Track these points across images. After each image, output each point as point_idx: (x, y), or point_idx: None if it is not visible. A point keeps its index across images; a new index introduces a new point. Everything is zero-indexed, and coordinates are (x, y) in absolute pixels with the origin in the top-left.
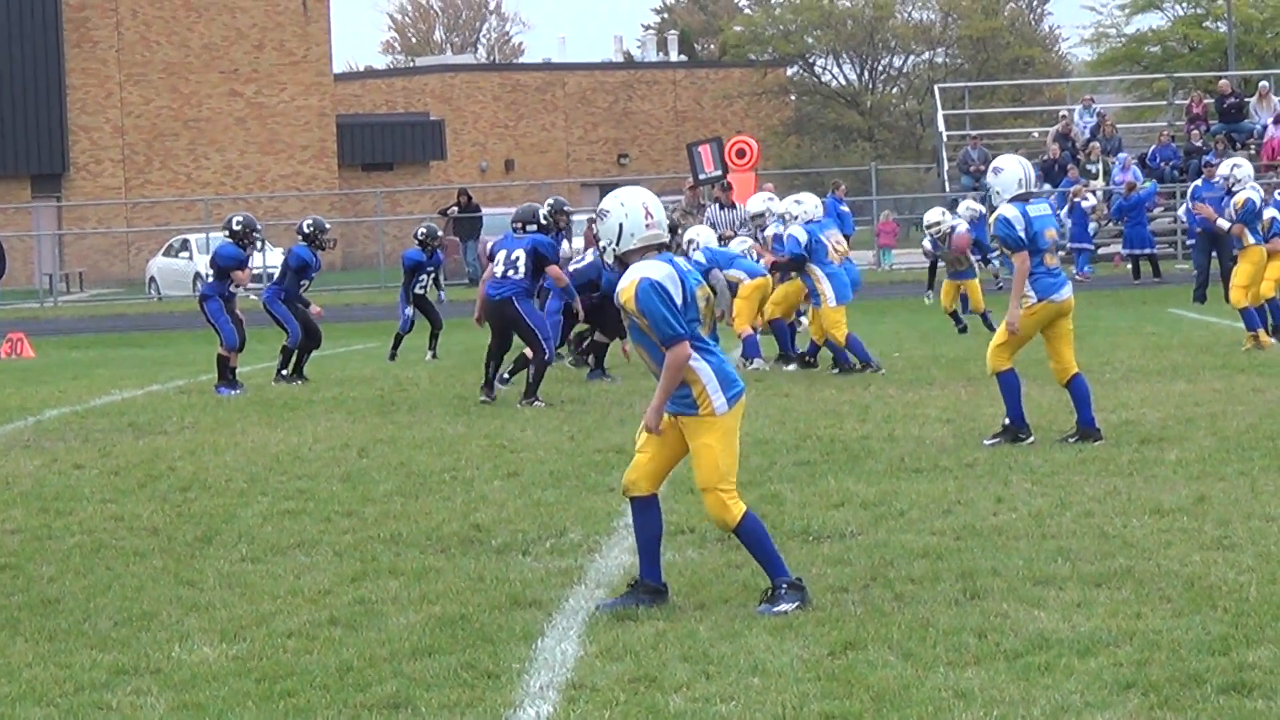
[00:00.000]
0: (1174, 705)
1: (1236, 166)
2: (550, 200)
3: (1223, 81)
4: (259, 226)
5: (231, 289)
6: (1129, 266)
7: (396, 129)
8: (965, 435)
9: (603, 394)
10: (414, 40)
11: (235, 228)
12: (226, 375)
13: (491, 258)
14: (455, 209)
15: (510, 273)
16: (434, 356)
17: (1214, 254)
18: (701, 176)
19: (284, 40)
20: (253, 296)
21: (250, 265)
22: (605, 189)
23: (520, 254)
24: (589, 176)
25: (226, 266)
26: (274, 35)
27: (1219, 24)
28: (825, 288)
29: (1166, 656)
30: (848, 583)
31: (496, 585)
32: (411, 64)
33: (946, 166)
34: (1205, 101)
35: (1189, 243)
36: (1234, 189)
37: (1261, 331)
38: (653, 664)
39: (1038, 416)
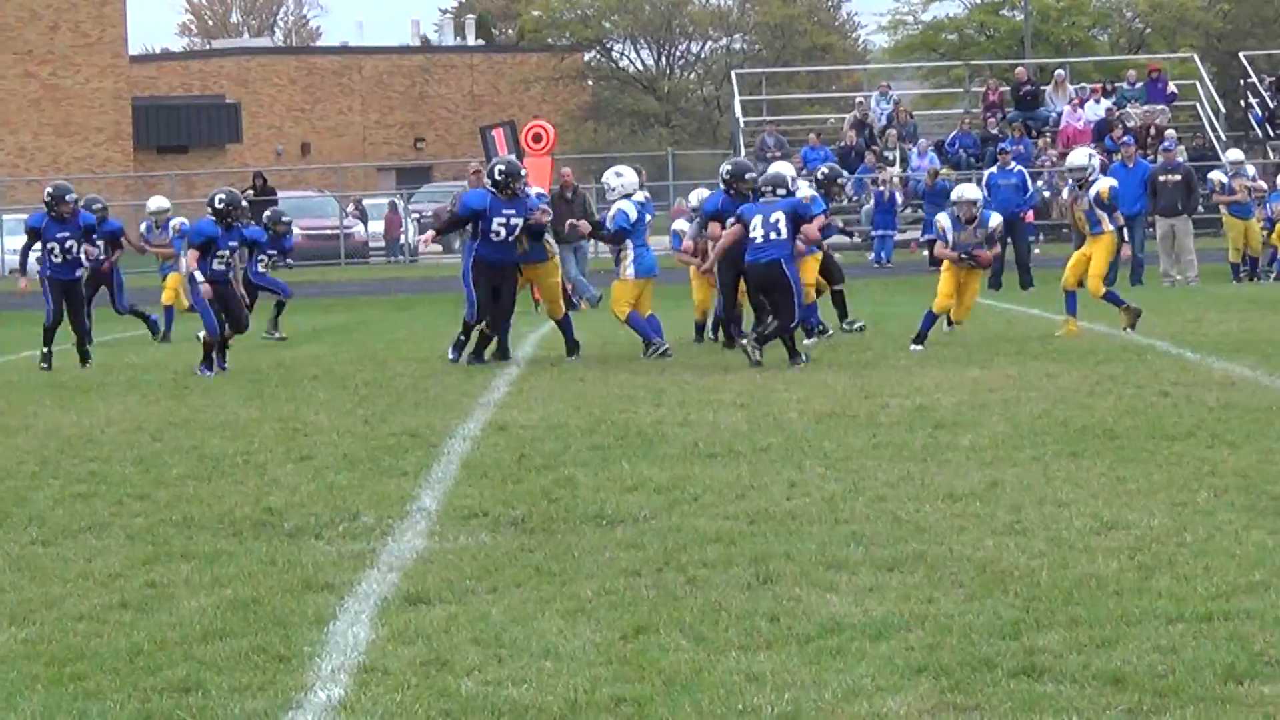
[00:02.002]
0: (965, 689)
1: (1091, 156)
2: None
3: (1019, 69)
4: (243, 203)
5: (214, 266)
6: (925, 254)
7: (192, 112)
8: (759, 420)
9: (401, 378)
10: (210, 23)
11: (218, 205)
12: (209, 357)
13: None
14: (250, 192)
15: (773, 235)
16: (277, 336)
17: (1009, 241)
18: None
19: (79, 22)
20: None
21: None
22: (401, 173)
23: (780, 216)
24: (385, 160)
25: (196, 243)
26: (69, 16)
27: (1015, 12)
28: (628, 263)
29: (958, 641)
30: (640, 567)
31: (289, 569)
32: (208, 47)
33: (743, 153)
34: (1002, 89)
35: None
36: (1091, 179)
37: (1072, 320)
38: (445, 647)
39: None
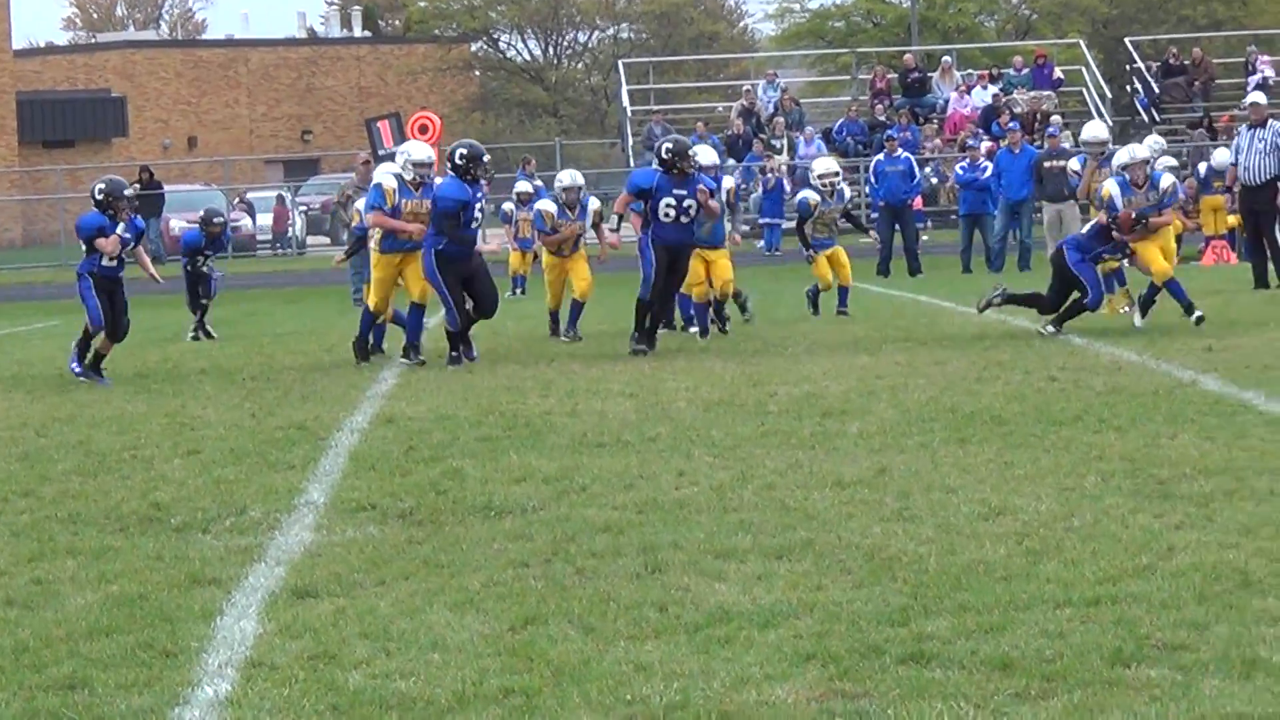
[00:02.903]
0: (853, 676)
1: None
2: None
3: (908, 56)
4: (127, 191)
5: (104, 262)
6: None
7: (78, 106)
8: (647, 409)
9: (289, 371)
10: (95, 16)
11: (98, 196)
12: (86, 357)
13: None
14: (137, 186)
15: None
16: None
17: (896, 228)
18: (381, 152)
19: None
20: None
21: (118, 233)
22: (289, 166)
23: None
24: (273, 153)
25: (88, 237)
26: None
27: None
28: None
29: (846, 628)
30: (529, 558)
31: (175, 564)
32: (93, 40)
33: (631, 142)
34: (889, 76)
35: (873, 216)
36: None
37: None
38: (332, 641)
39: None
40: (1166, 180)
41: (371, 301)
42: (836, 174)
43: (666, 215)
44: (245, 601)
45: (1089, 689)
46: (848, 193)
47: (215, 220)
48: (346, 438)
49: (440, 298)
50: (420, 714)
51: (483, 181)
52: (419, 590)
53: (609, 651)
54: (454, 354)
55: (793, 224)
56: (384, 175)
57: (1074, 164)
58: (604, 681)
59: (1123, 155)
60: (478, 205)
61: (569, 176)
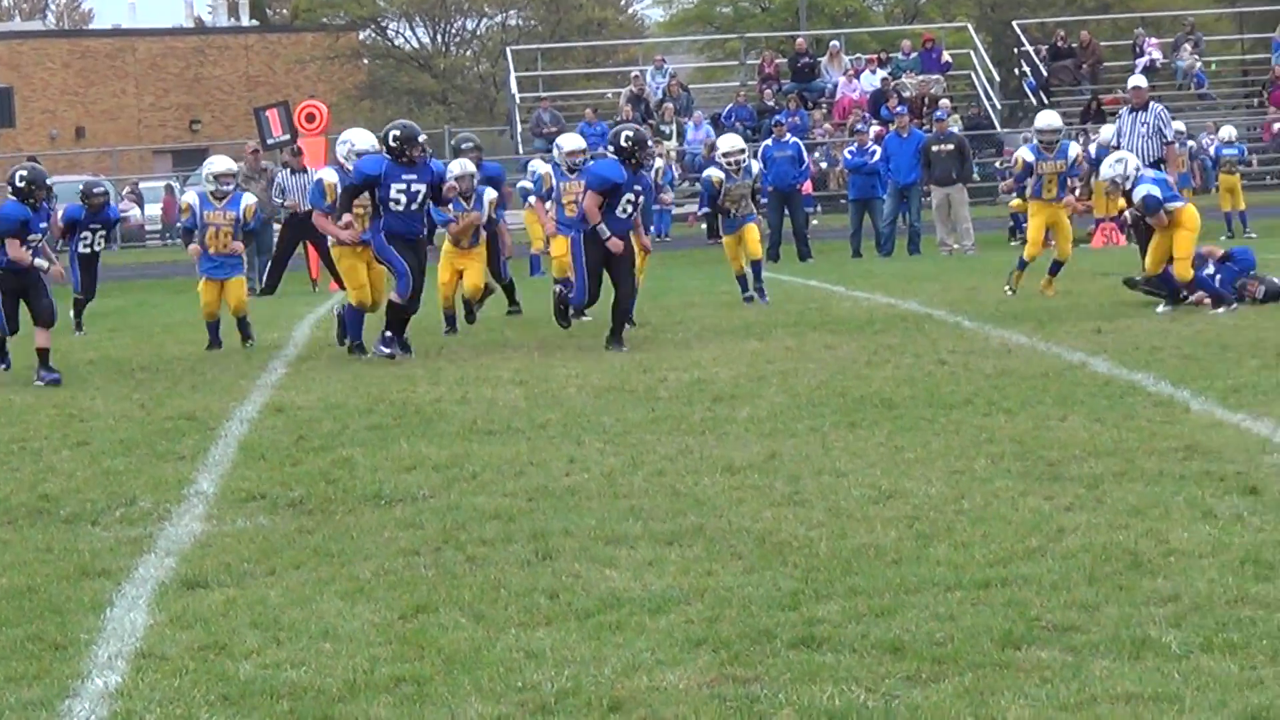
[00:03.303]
0: (744, 661)
1: (1121, 163)
2: None
3: (800, 40)
4: (48, 179)
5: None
6: (704, 226)
7: None
8: (538, 396)
9: (178, 361)
10: None
11: (18, 183)
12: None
13: None
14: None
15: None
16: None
17: (786, 213)
18: (270, 141)
19: None
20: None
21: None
22: (177, 156)
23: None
24: (161, 143)
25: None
26: None
27: None
28: None
29: (737, 613)
30: (419, 546)
31: (65, 555)
32: None
33: (520, 129)
34: (778, 61)
35: (763, 201)
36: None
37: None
38: (223, 631)
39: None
40: (1074, 150)
41: (352, 298)
42: (741, 151)
43: (625, 211)
44: (135, 593)
45: (980, 671)
46: (755, 168)
47: (96, 191)
48: (236, 427)
49: (393, 267)
50: (311, 703)
51: (436, 163)
52: (309, 579)
53: (500, 639)
54: (388, 335)
55: (683, 209)
56: (326, 171)
57: (1025, 153)
58: (495, 669)
59: (1040, 121)
60: (398, 186)
61: (459, 166)
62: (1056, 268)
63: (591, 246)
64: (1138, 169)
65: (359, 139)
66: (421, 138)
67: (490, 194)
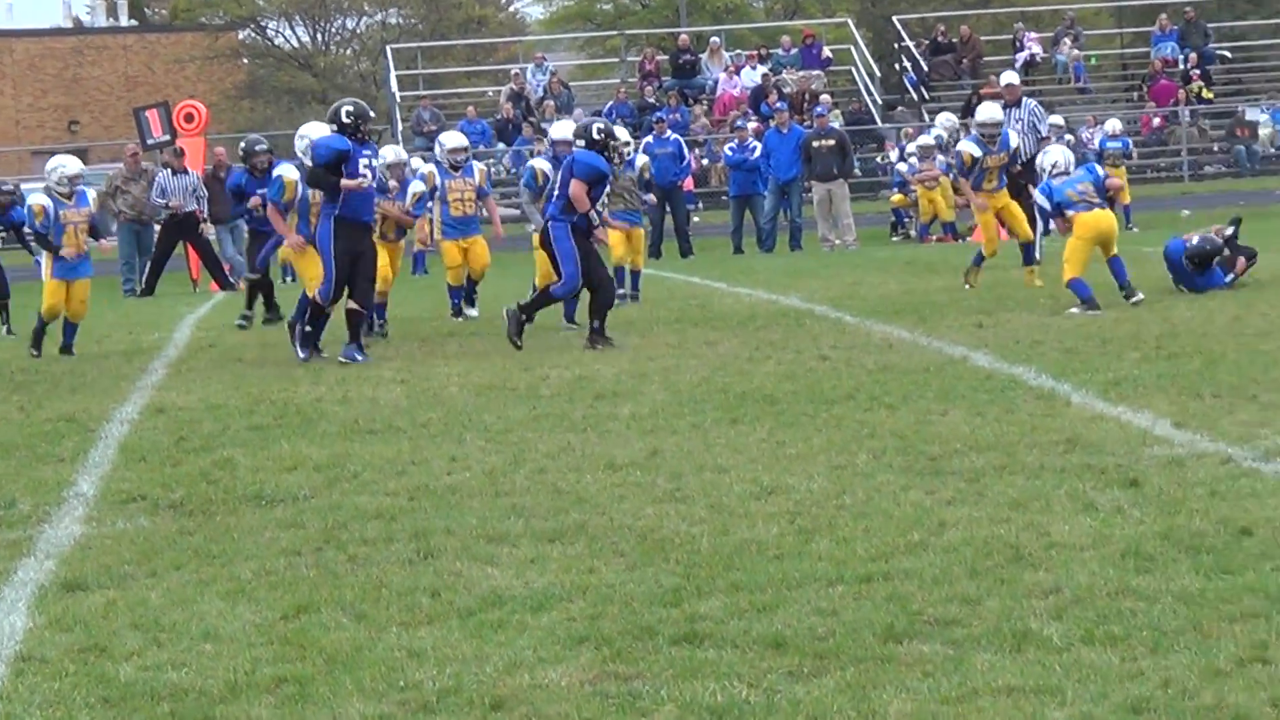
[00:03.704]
0: (626, 657)
1: (1044, 155)
2: None
3: (682, 36)
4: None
5: None
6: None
7: None
8: (419, 395)
9: (57, 363)
10: None
11: None
12: None
13: None
14: None
15: None
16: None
17: (667, 209)
18: (149, 141)
19: None
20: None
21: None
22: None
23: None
24: (39, 144)
25: None
26: None
27: None
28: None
29: (619, 610)
30: (301, 546)
31: None
32: None
33: (400, 127)
34: (659, 58)
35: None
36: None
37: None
38: (103, 633)
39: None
40: (1014, 140)
41: (310, 289)
42: (628, 144)
43: (604, 204)
44: (14, 596)
45: (862, 666)
46: (640, 160)
47: (4, 188)
48: (116, 429)
49: (324, 264)
50: (193, 704)
51: (373, 143)
52: (190, 580)
53: (381, 638)
54: (306, 330)
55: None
56: (285, 168)
57: (970, 147)
58: (377, 668)
59: (981, 114)
60: (363, 163)
61: (392, 153)
62: (1029, 255)
63: (580, 236)
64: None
65: (317, 130)
66: (371, 115)
67: (417, 186)
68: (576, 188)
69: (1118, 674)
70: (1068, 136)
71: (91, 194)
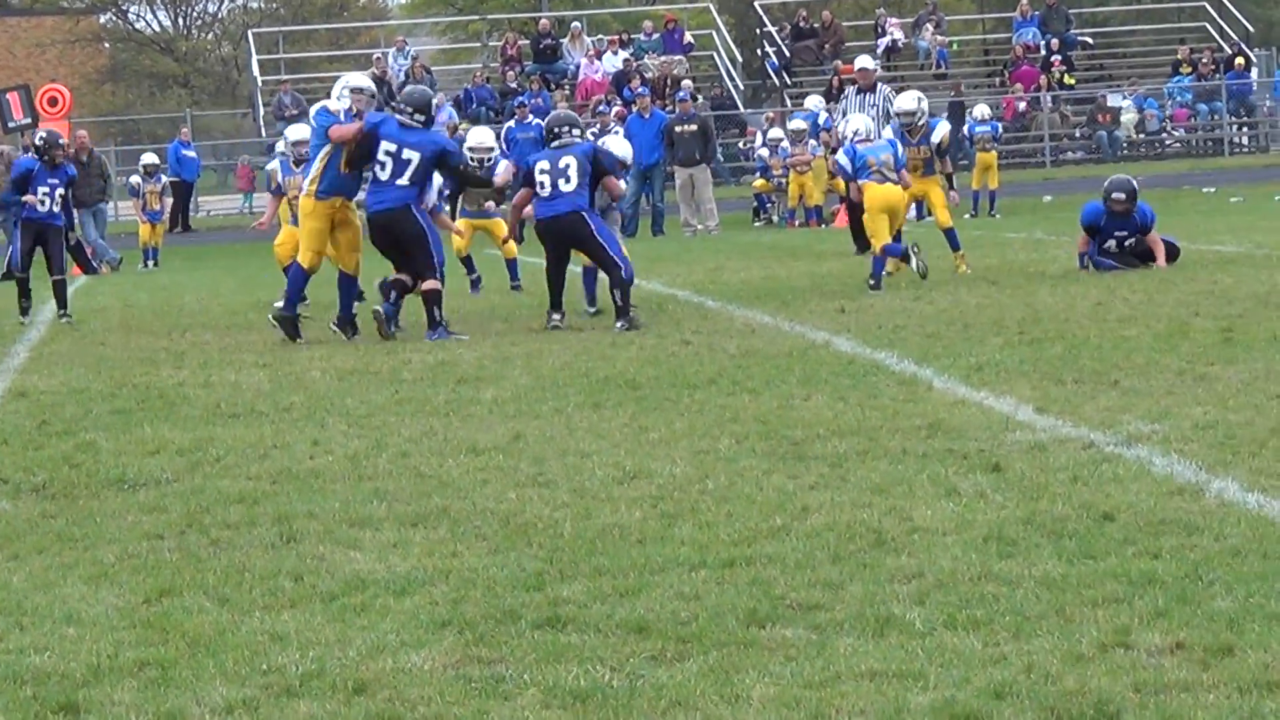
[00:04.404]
0: (489, 641)
1: (921, 100)
2: None
3: (543, 21)
4: None
5: None
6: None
7: None
8: (282, 379)
9: None
10: None
11: None
12: None
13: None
14: None
15: (562, 183)
16: None
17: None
18: (11, 125)
19: None
20: None
21: None
22: None
23: (570, 161)
24: None
25: None
26: None
27: None
28: None
29: (482, 594)
30: (164, 530)
31: None
32: None
33: (262, 112)
34: (521, 43)
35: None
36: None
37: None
38: None
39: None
40: (942, 130)
41: (304, 258)
42: (490, 149)
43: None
44: None
45: (724, 650)
46: (503, 167)
47: None
48: None
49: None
50: (55, 688)
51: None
52: (53, 564)
53: (244, 622)
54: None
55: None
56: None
57: (886, 133)
58: (240, 652)
59: (899, 103)
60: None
61: (479, 136)
62: (953, 240)
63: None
64: (856, 135)
65: (293, 133)
66: (63, 140)
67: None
68: (612, 181)
69: (980, 658)
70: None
71: None
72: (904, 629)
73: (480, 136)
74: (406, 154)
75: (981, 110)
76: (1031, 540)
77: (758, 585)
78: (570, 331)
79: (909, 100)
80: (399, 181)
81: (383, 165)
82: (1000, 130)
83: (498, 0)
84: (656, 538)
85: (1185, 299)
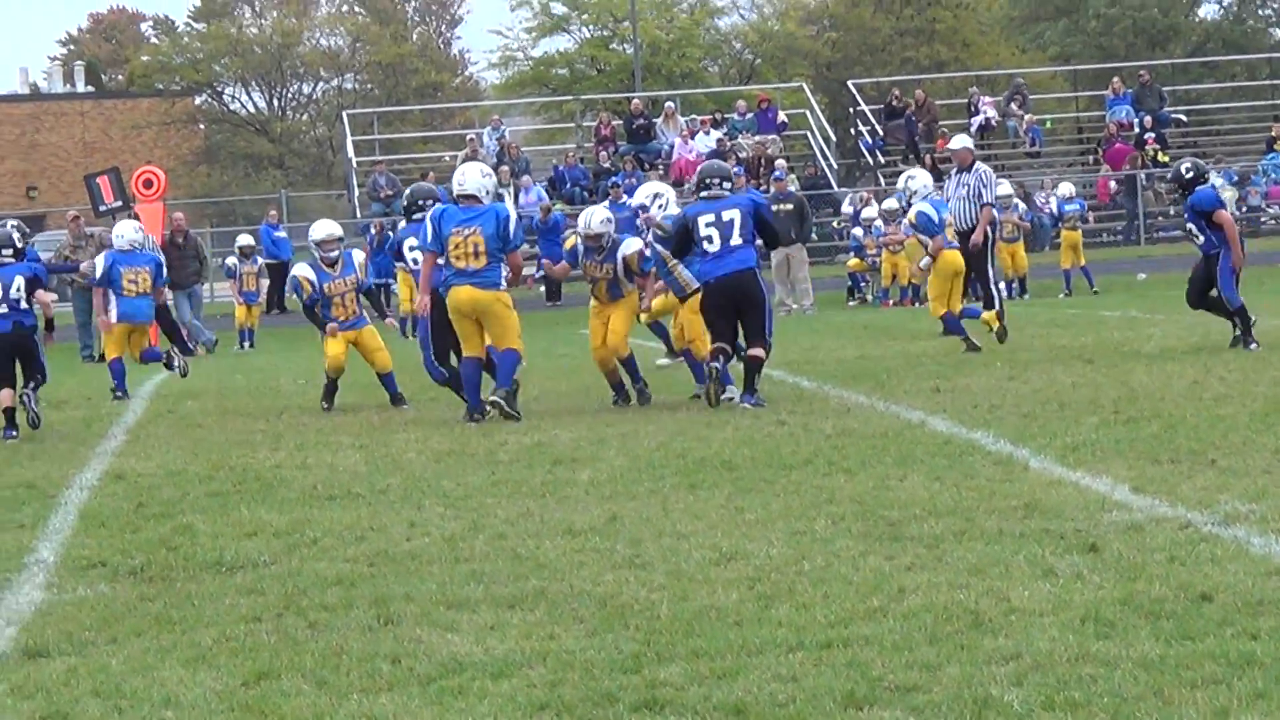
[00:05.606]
0: None
1: (910, 179)
2: None
3: (635, 100)
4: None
5: None
6: (543, 289)
7: None
8: (378, 461)
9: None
10: None
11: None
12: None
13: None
14: None
15: (733, 239)
16: None
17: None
18: (102, 208)
19: None
20: None
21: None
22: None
23: (735, 214)
24: None
25: None
26: None
27: (626, 46)
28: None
29: (580, 676)
30: (261, 612)
31: None
32: None
33: (356, 193)
34: (614, 123)
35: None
36: (911, 201)
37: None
38: (64, 700)
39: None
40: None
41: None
42: (339, 239)
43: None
44: None
45: None
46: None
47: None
48: (76, 495)
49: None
50: None
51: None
52: (151, 647)
53: (342, 705)
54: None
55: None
56: (300, 267)
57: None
58: None
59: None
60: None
61: (598, 217)
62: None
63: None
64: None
65: (316, 230)
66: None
67: (358, 255)
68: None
69: None
70: (1019, 205)
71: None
72: (1002, 710)
73: (327, 228)
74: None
75: (1066, 188)
76: (1129, 621)
77: (855, 667)
78: (664, 411)
79: (1007, 187)
80: None
81: None
82: (1086, 208)
83: (592, 80)
84: (754, 619)
85: None
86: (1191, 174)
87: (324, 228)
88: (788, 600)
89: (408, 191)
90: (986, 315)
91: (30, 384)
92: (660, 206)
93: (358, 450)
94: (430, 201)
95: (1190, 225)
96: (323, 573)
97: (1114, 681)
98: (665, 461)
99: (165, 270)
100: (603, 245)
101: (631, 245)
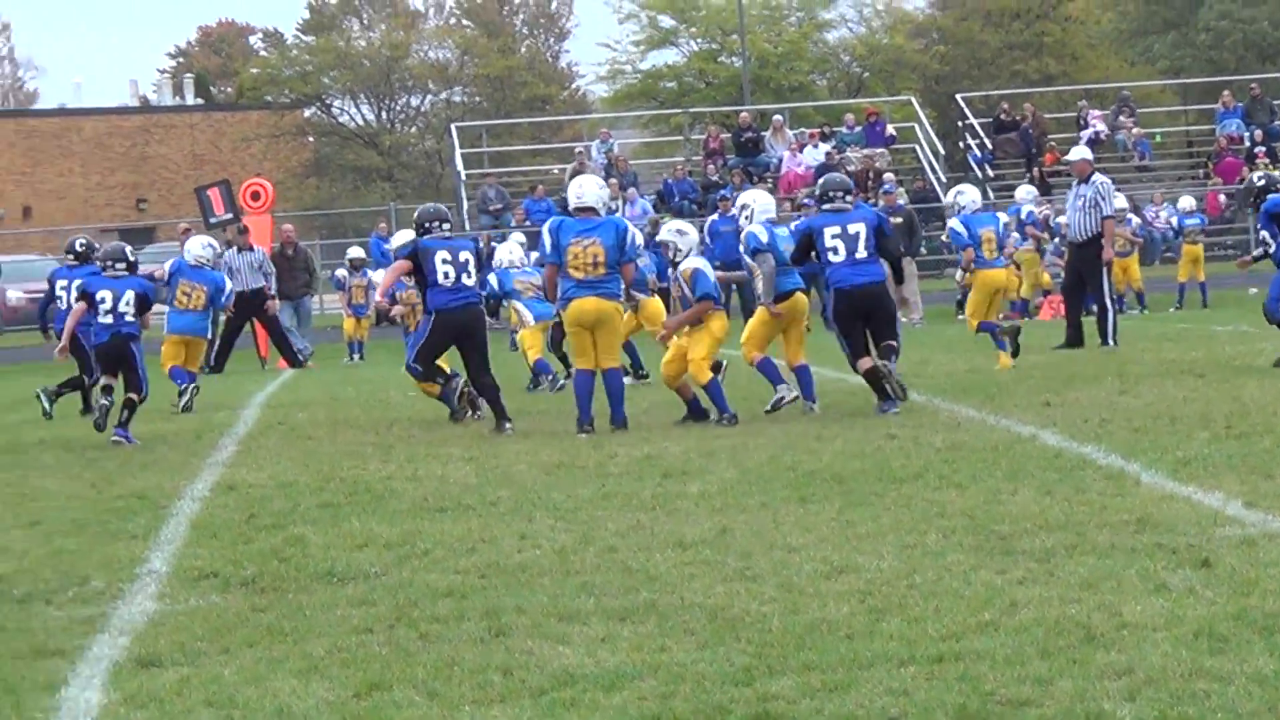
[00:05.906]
0: None
1: (959, 194)
2: None
3: (743, 114)
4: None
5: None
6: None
7: None
8: (488, 473)
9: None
10: None
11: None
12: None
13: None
14: None
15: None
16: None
17: (733, 287)
18: (212, 220)
19: None
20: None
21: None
22: (124, 235)
23: (861, 227)
24: (109, 222)
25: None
26: None
27: (734, 59)
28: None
29: (691, 689)
30: (372, 624)
31: (18, 635)
32: None
33: (466, 205)
34: (723, 136)
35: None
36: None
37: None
38: (177, 710)
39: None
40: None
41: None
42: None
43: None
44: (89, 672)
45: None
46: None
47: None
48: (188, 506)
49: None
50: None
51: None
52: (263, 658)
53: (454, 716)
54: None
55: None
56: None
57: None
58: None
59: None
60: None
61: (399, 238)
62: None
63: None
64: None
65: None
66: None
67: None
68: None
69: None
70: (1133, 219)
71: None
72: None
73: (403, 238)
74: None
75: (1187, 202)
76: (1243, 636)
77: (967, 681)
78: (773, 424)
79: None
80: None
81: None
82: (1206, 222)
83: (700, 94)
84: (865, 633)
85: None
86: (1264, 182)
87: (400, 237)
88: (899, 614)
89: (416, 213)
90: (1003, 360)
91: (125, 409)
92: (747, 217)
93: (468, 463)
94: (437, 223)
95: (1263, 232)
96: (434, 584)
97: (1227, 697)
98: (775, 474)
99: (228, 296)
100: (672, 258)
101: (690, 263)
